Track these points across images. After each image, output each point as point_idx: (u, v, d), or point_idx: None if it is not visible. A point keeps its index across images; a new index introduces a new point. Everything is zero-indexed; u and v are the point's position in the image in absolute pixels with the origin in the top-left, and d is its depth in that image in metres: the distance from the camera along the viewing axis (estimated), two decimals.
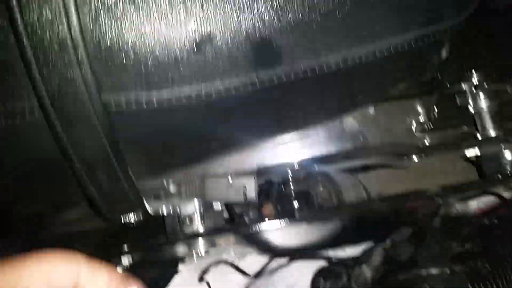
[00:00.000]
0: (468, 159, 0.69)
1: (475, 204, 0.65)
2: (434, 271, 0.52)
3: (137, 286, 0.34)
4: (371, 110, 0.48)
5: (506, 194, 0.58)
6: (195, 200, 0.50)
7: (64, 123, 0.31)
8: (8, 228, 0.50)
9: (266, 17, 0.30)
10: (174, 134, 0.35)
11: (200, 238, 0.49)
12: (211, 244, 0.50)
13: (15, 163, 0.35)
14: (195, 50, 0.30)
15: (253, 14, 0.30)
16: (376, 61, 0.35)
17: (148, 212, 0.45)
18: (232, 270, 0.64)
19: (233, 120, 0.36)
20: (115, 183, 0.35)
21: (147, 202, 0.45)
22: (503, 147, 0.53)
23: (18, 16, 0.28)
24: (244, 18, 0.30)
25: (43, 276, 0.27)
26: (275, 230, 0.49)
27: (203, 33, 0.30)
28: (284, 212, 0.50)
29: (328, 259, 0.64)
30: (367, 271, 0.55)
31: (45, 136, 0.32)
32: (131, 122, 0.32)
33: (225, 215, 0.56)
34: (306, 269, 0.64)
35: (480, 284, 0.50)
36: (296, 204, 0.49)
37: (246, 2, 0.30)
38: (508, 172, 0.56)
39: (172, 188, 0.47)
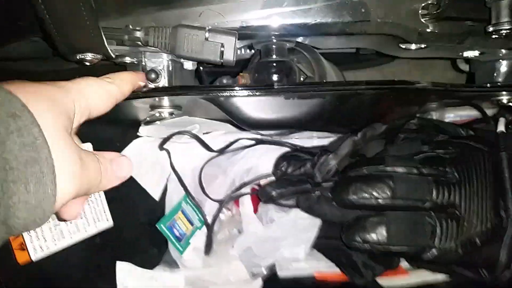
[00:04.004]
0: (461, 71, 0.66)
1: (456, 116, 0.63)
2: (400, 169, 0.51)
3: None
4: None
5: (488, 111, 0.56)
6: (164, 54, 0.44)
7: None
8: None
9: None
10: None
11: (165, 98, 0.44)
12: (176, 106, 0.45)
13: None
14: None
15: None
16: None
17: (109, 55, 0.39)
18: (195, 143, 0.61)
19: None
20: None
21: (108, 44, 0.39)
22: (501, 53, 0.49)
23: None
24: None
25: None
26: (248, 101, 0.44)
27: None
28: (262, 83, 0.46)
29: (294, 146, 0.62)
30: (332, 160, 0.53)
31: None
32: None
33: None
34: (270, 153, 0.62)
35: (444, 188, 0.49)
36: (275, 76, 0.45)
37: None
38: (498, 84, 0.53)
39: (138, 34, 0.41)
